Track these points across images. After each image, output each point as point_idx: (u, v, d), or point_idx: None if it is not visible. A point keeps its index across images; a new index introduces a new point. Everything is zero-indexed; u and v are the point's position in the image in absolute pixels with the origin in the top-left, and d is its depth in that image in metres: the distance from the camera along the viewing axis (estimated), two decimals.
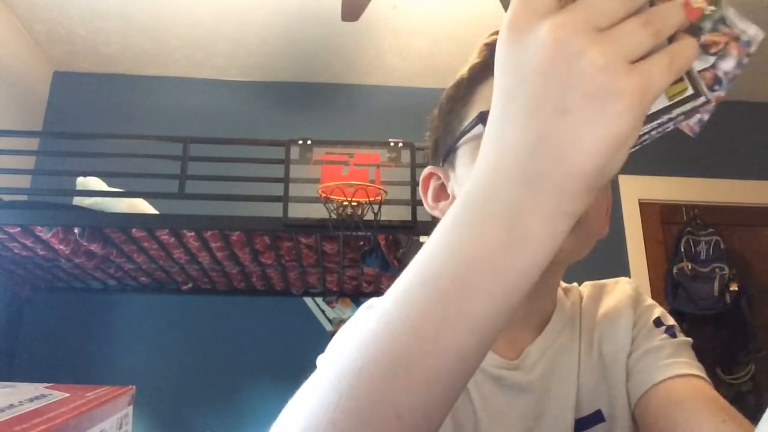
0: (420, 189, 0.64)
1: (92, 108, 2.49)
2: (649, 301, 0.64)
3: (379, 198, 1.47)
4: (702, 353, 0.60)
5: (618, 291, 0.64)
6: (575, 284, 0.67)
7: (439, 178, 0.62)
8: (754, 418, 0.53)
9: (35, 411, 0.53)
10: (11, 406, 0.53)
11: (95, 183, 1.61)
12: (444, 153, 0.60)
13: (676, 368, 0.55)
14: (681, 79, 0.31)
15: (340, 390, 0.31)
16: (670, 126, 0.33)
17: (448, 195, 0.60)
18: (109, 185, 1.64)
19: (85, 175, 1.62)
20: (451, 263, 0.31)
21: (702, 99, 0.32)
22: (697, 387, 0.54)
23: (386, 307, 0.33)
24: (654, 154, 2.43)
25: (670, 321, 0.61)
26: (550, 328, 0.60)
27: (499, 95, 0.31)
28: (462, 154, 0.57)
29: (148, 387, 1.31)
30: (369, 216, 1.48)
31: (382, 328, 0.32)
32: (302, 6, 2.20)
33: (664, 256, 2.49)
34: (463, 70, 0.61)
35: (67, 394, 0.62)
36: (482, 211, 0.31)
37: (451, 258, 0.31)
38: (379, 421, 0.30)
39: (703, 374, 0.56)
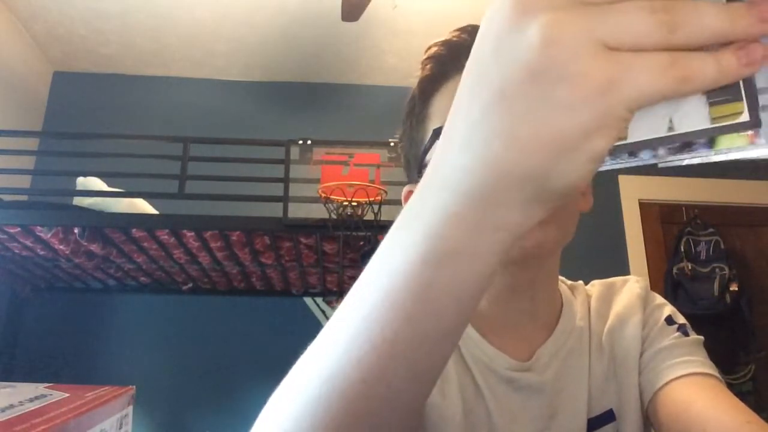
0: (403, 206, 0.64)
1: (92, 108, 2.49)
2: (659, 299, 0.63)
3: (379, 198, 1.47)
4: None
5: (627, 290, 0.63)
6: (581, 282, 0.67)
7: None
8: None
9: (35, 411, 0.53)
10: (11, 406, 0.53)
11: (95, 183, 1.61)
12: (416, 170, 0.60)
13: (690, 366, 0.55)
14: (739, 99, 0.22)
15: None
16: (707, 155, 0.24)
17: None
18: (109, 185, 1.64)
19: (85, 175, 1.62)
20: (377, 279, 0.28)
21: (761, 139, 0.22)
22: (714, 386, 0.54)
23: (327, 325, 0.30)
24: None
25: (681, 319, 0.61)
26: (560, 328, 0.60)
27: (465, 69, 0.25)
28: None
29: (148, 387, 1.31)
30: (369, 216, 1.48)
31: (318, 351, 0.30)
32: (302, 6, 2.20)
33: (664, 256, 2.49)
34: (414, 86, 0.61)
35: (67, 394, 0.62)
36: (411, 217, 0.27)
37: (378, 273, 0.28)
38: None
39: (717, 374, 0.56)
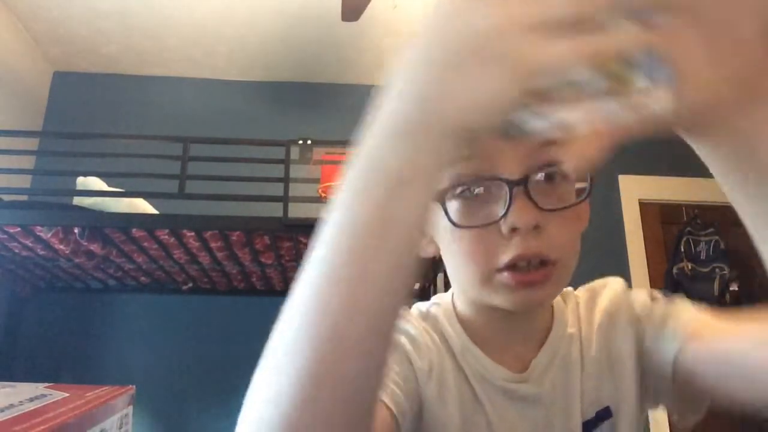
0: None
1: (92, 108, 2.49)
2: (637, 291, 0.65)
3: None
4: None
5: (609, 290, 0.65)
6: (570, 288, 0.68)
7: None
8: (755, 418, 0.53)
9: (35, 411, 0.53)
10: (11, 406, 0.53)
11: (95, 183, 1.61)
12: None
13: (687, 313, 0.58)
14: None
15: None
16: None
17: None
18: (109, 185, 1.64)
19: (85, 175, 1.62)
20: (342, 216, 0.32)
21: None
22: (708, 319, 0.57)
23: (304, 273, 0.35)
24: (654, 154, 2.43)
25: (658, 294, 0.64)
26: (552, 337, 0.61)
27: (416, 38, 0.32)
28: None
29: (148, 387, 1.31)
30: None
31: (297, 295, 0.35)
32: (302, 6, 2.20)
33: (664, 256, 2.49)
34: None
35: (67, 394, 0.63)
36: (363, 161, 0.32)
37: (348, 212, 0.32)
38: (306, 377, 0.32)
39: (705, 311, 0.58)
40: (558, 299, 0.65)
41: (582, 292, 0.67)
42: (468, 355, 0.60)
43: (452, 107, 0.30)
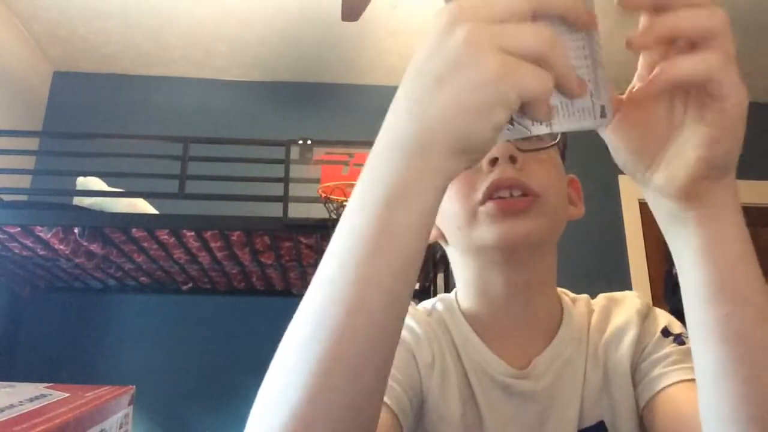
0: None
1: (92, 108, 2.49)
2: (657, 312, 0.64)
3: None
4: None
5: (627, 305, 0.64)
6: (586, 295, 0.68)
7: None
8: None
9: (35, 411, 0.53)
10: (11, 406, 0.53)
11: (95, 183, 1.61)
12: None
13: (683, 374, 0.55)
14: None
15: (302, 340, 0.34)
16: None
17: None
18: (109, 185, 1.64)
19: (85, 175, 1.62)
20: (350, 230, 0.34)
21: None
22: (689, 399, 0.54)
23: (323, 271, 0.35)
24: None
25: (678, 329, 0.61)
26: (559, 338, 0.61)
27: (410, 63, 0.35)
28: None
29: (148, 387, 1.31)
30: None
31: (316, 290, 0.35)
32: (302, 6, 2.20)
33: (664, 256, 2.49)
34: None
35: (67, 394, 0.63)
36: (372, 173, 0.34)
37: (351, 224, 0.34)
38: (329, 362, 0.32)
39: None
40: (568, 303, 0.64)
41: (601, 299, 0.66)
42: (469, 346, 0.60)
43: (450, 121, 0.32)
